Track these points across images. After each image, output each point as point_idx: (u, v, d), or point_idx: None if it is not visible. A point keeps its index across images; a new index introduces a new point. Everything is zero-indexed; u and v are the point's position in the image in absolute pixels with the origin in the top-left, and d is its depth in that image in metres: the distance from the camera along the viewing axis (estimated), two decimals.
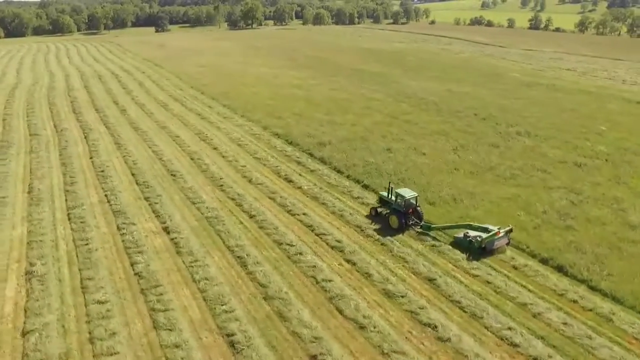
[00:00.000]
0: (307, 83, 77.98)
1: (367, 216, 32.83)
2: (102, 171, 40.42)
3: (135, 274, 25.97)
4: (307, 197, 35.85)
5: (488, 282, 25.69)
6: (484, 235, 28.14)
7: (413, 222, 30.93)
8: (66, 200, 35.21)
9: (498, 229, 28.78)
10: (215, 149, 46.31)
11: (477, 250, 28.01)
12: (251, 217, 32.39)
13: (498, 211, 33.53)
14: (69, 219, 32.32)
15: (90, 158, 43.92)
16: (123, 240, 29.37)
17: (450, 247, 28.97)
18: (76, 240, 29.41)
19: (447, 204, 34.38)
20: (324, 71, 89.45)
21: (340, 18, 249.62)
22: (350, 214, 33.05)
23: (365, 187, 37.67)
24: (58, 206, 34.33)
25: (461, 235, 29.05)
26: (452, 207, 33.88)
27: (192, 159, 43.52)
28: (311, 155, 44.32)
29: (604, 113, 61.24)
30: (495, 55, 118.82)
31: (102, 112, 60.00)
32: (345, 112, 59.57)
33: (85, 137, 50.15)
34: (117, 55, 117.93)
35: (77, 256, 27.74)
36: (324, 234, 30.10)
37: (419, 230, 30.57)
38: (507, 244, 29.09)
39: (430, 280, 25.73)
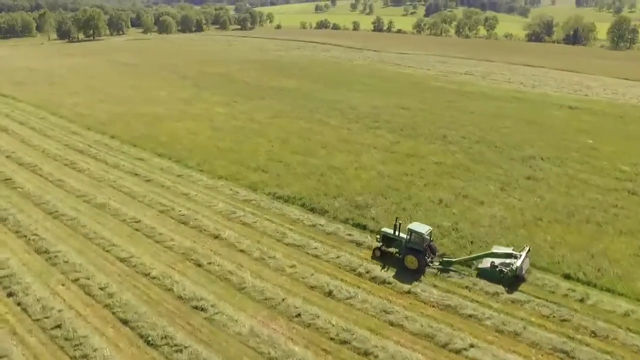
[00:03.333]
0: (238, 110, 62.85)
1: (372, 257, 28.42)
2: (59, 326, 22.30)
3: None
4: (431, 306, 24.06)
5: None
6: (513, 261, 26.08)
7: (431, 259, 27.69)
8: None
9: (520, 251, 26.92)
10: (216, 237, 30.59)
11: (510, 280, 25.64)
12: None
13: None
14: None
15: (9, 295, 24.71)
16: None
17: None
18: None
19: (597, 278, 26.29)
20: (239, 92, 74.37)
21: (187, 25, 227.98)
22: (523, 330, 22.51)
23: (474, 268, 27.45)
24: None
25: (487, 265, 26.61)
26: (619, 285, 25.82)
27: (199, 265, 27.52)
28: (363, 227, 31.89)
29: (561, 122, 60.82)
30: (387, 61, 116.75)
31: None
32: (327, 149, 47.42)
33: None
34: None
35: None
36: None
37: (439, 267, 27.27)
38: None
39: None
